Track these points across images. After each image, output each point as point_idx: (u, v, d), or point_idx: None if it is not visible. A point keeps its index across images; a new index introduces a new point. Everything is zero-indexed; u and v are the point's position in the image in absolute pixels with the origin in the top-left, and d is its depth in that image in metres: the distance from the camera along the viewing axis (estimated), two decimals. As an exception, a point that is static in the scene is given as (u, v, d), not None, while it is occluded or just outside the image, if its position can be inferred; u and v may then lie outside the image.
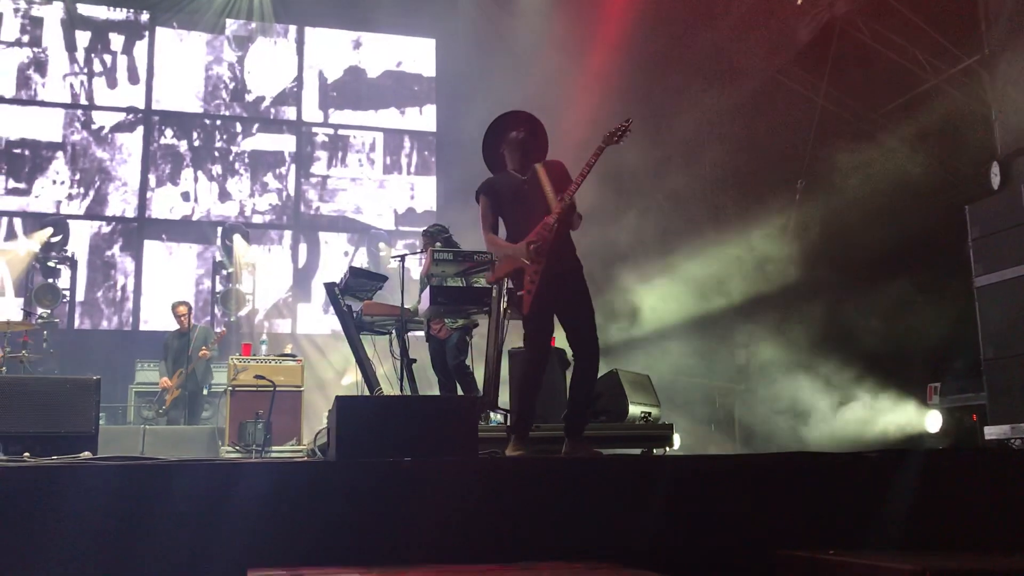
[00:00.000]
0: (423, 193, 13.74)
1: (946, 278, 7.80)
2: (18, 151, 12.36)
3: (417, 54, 14.07)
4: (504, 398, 6.43)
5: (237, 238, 12.23)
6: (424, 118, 13.95)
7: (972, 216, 6.90)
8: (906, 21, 8.69)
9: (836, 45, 9.43)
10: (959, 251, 7.15)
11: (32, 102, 12.53)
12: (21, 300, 11.42)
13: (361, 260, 13.01)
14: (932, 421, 7.69)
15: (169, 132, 12.98)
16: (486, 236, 4.92)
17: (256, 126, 13.34)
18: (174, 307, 9.64)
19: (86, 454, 4.39)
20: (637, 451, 5.94)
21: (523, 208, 4.82)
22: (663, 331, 10.47)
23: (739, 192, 11.06)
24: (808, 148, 9.82)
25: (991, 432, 6.50)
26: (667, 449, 6.06)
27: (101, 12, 12.95)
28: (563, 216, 4.64)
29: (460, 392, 6.91)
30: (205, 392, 9.54)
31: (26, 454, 4.20)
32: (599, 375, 6.50)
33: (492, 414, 6.33)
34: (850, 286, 9.04)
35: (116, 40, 12.96)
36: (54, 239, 11.56)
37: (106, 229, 12.59)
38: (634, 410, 6.22)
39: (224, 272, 12.23)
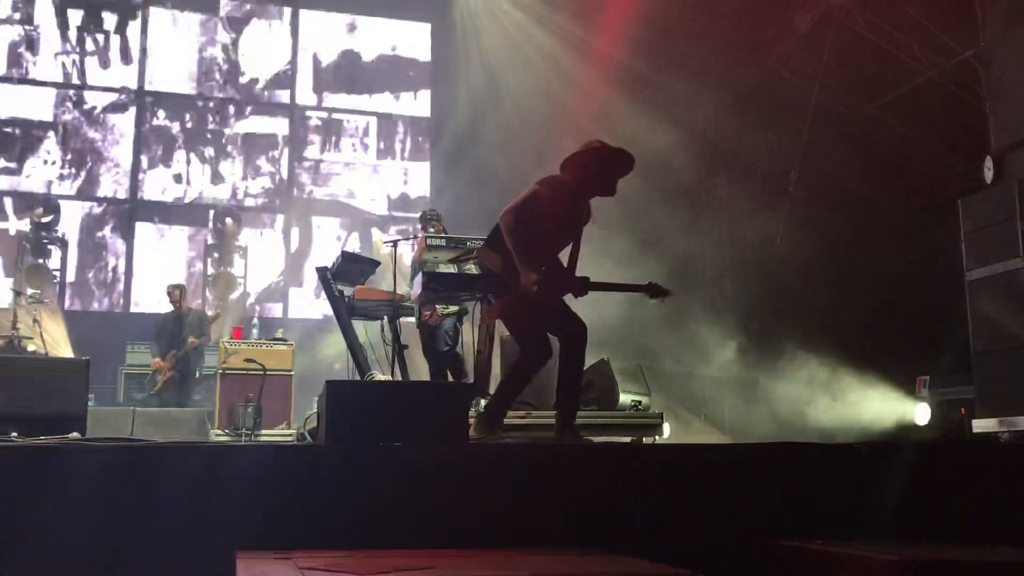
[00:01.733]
0: (417, 179, 13.71)
1: (937, 271, 7.83)
2: (9, 130, 12.28)
3: (412, 38, 14.00)
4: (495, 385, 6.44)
5: (229, 221, 12.18)
6: (418, 103, 13.90)
7: (965, 210, 6.92)
8: (903, 14, 8.68)
9: (833, 37, 9.42)
10: (951, 244, 7.17)
11: (23, 80, 12.43)
12: (11, 280, 11.36)
13: (353, 245, 12.98)
14: (921, 413, 7.73)
15: (162, 113, 12.90)
16: (516, 223, 4.47)
17: (249, 109, 13.27)
18: (169, 290, 9.62)
19: (75, 435, 4.38)
20: (627, 439, 5.95)
21: (558, 233, 4.69)
22: (650, 319, 10.48)
23: (732, 182, 11.06)
24: (802, 139, 9.82)
25: (979, 425, 6.55)
26: (657, 438, 6.08)
27: (94, -10, 12.87)
28: (576, 293, 4.64)
29: (451, 379, 6.91)
30: (196, 375, 9.52)
31: (14, 434, 4.18)
32: (590, 363, 6.54)
33: (483, 401, 6.34)
34: (841, 277, 9.06)
35: (109, 19, 12.86)
36: (45, 219, 11.49)
37: (97, 210, 12.53)
38: (625, 398, 6.25)
39: (216, 255, 12.19)
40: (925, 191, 8.34)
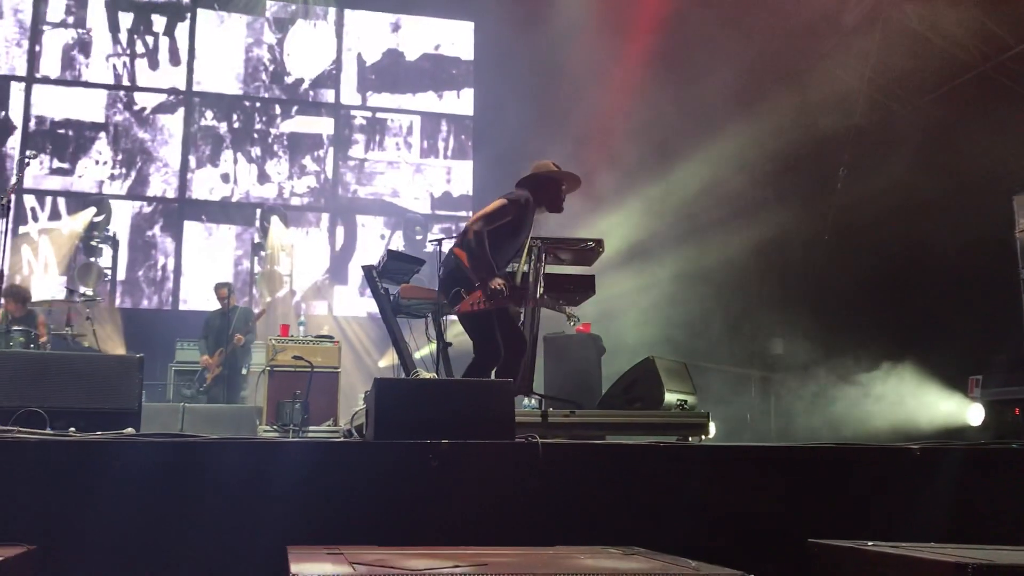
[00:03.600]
0: (460, 177, 13.75)
1: (991, 269, 7.67)
2: (62, 131, 12.55)
3: (455, 37, 14.06)
4: (539, 383, 6.44)
5: (275, 220, 12.33)
6: (461, 102, 13.94)
7: (1019, 206, 6.78)
8: (954, 6, 8.52)
9: (881, 31, 9.27)
10: (1005, 241, 7.02)
11: (76, 83, 12.70)
12: (64, 279, 11.62)
13: (397, 243, 13.07)
14: (974, 414, 7.58)
15: (209, 114, 13.10)
16: (483, 231, 5.17)
17: (295, 108, 13.43)
18: (216, 289, 9.78)
19: (129, 430, 4.47)
20: (672, 439, 5.91)
21: (514, 244, 5.46)
22: (699, 318, 10.41)
23: (779, 179, 10.93)
24: (851, 135, 9.67)
25: (1034, 426, 6.40)
26: (703, 438, 6.03)
27: (144, -6, 13.11)
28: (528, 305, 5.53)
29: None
30: (244, 372, 9.65)
31: (72, 429, 4.27)
32: (636, 361, 6.51)
33: (526, 399, 6.35)
34: (891, 274, 8.92)
35: (158, 22, 13.09)
36: (97, 219, 11.73)
37: (147, 209, 12.77)
38: (670, 398, 6.19)
39: (262, 253, 12.35)
40: (978, 187, 8.17)
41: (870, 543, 2.76)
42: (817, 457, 3.83)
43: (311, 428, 7.75)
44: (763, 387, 10.86)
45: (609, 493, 3.50)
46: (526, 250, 5.67)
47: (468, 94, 13.96)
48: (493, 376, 5.69)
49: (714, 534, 3.47)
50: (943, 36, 8.71)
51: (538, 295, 5.78)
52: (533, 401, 6.40)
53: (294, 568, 2.19)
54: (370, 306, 11.97)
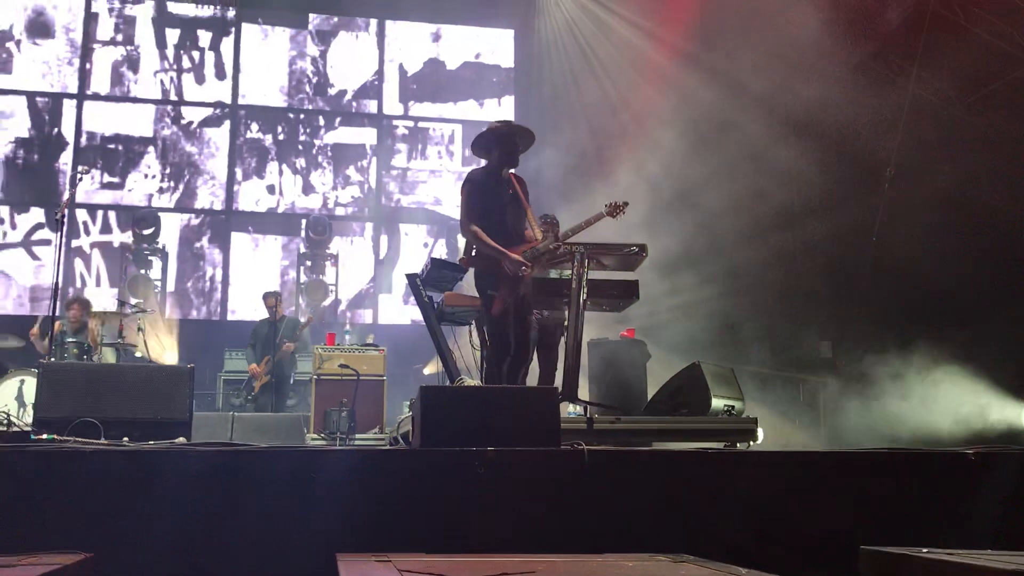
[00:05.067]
0: (501, 184, 13.76)
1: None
2: (112, 146, 12.83)
3: (496, 45, 14.11)
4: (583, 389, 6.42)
5: (320, 230, 12.46)
6: (502, 109, 13.97)
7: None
8: (1003, 1, 8.34)
9: (928, 27, 9.10)
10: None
11: (125, 99, 12.97)
12: (116, 291, 11.85)
13: (440, 251, 13.15)
14: (1030, 417, 7.41)
15: (255, 126, 13.29)
16: (472, 227, 5.43)
17: (338, 120, 13.57)
18: (264, 298, 9.90)
19: (181, 439, 4.54)
20: (720, 445, 5.85)
21: (505, 211, 5.52)
22: (746, 323, 10.31)
23: (826, 180, 10.77)
24: (898, 134, 9.51)
25: (1094, 430, 6.24)
26: (751, 444, 5.96)
27: (189, 9, 13.32)
28: (553, 254, 5.57)
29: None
30: (292, 380, 9.75)
31: (125, 439, 4.36)
32: (682, 367, 6.47)
33: (571, 405, 6.33)
34: (939, 272, 8.73)
35: (204, 37, 13.33)
36: (147, 231, 11.95)
37: (195, 221, 12.98)
38: (717, 403, 6.13)
39: (308, 263, 12.50)
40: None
41: (924, 550, 2.70)
42: (868, 462, 3.77)
43: (358, 436, 7.81)
44: (812, 392, 10.70)
45: (656, 500, 3.48)
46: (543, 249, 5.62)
47: (509, 101, 14.00)
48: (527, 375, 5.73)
49: (764, 541, 3.43)
50: (992, 31, 8.53)
51: (582, 301, 5.77)
52: (578, 407, 6.38)
53: (344, 575, 2.20)
54: (414, 314, 12.04)
